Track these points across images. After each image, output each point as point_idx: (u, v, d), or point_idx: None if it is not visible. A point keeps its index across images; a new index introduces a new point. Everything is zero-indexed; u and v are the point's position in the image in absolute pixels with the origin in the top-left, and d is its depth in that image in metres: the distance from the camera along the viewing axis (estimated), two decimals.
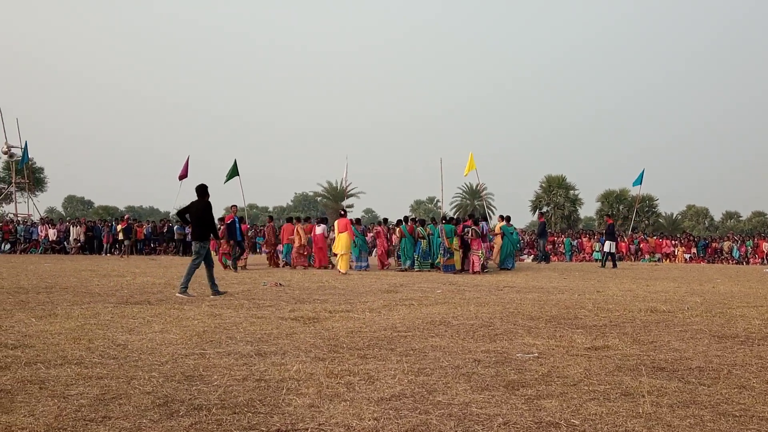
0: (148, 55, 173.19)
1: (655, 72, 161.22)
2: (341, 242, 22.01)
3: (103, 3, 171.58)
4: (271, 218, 29.36)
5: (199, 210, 13.69)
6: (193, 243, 13.95)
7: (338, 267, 22.04)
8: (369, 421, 4.52)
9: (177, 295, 13.00)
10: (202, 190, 13.85)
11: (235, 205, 24.36)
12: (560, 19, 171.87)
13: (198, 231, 13.71)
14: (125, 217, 38.09)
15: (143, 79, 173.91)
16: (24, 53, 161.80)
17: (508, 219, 27.35)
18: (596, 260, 37.97)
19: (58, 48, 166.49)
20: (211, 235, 13.91)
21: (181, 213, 14.24)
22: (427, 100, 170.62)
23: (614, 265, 28.94)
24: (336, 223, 22.98)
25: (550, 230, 50.92)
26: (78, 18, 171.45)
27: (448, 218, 25.60)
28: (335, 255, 23.33)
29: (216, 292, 13.40)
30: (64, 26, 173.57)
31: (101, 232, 38.62)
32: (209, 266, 13.74)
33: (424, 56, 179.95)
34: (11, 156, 49.76)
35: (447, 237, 22.97)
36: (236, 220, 23.36)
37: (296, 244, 25.06)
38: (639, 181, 43.69)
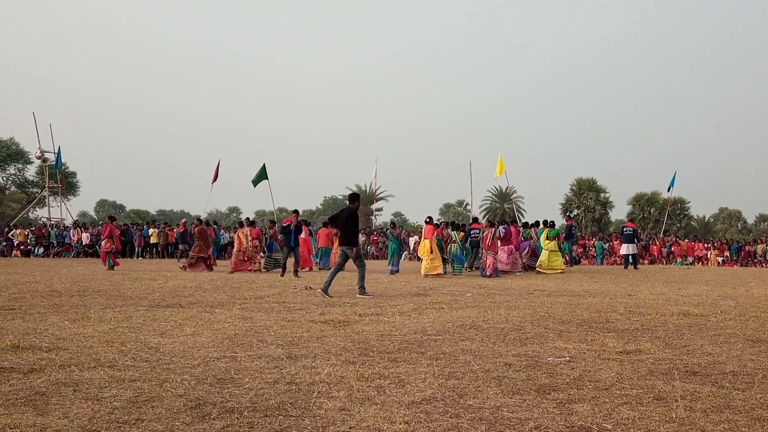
0: (180, 76, 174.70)
1: (685, 72, 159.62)
2: (425, 248, 22.52)
3: (135, 31, 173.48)
4: (199, 221, 28.11)
5: (345, 216, 14.72)
6: (342, 248, 14.91)
7: (422, 272, 22.73)
8: (400, 424, 4.52)
9: (360, 294, 14.06)
10: (352, 198, 15.07)
11: (297, 211, 23.88)
12: (586, 15, 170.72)
13: (344, 236, 14.74)
14: (183, 221, 38.27)
15: (176, 93, 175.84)
16: (58, 68, 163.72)
17: (546, 223, 27.87)
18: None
19: (89, 66, 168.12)
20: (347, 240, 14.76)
21: (332, 219, 15.61)
22: (456, 103, 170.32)
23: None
24: (423, 229, 23.39)
25: (580, 233, 50.71)
26: (108, 40, 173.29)
27: (491, 222, 26.37)
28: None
29: (363, 292, 14.27)
30: (97, 47, 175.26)
31: (133, 235, 38.98)
32: (336, 270, 14.72)
33: (452, 59, 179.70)
34: (44, 161, 50.45)
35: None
36: (294, 225, 22.88)
37: (236, 249, 24.88)
38: (672, 184, 43.47)
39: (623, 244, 30.85)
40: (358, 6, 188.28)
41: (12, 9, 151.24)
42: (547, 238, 25.13)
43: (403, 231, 44.19)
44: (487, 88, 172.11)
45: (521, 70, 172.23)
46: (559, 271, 24.94)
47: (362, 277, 14.48)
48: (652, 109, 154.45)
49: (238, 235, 25.16)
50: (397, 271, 24.41)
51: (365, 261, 14.86)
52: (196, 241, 25.66)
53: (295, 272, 21.78)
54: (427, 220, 23.86)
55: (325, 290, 13.82)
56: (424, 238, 22.80)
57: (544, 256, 25.29)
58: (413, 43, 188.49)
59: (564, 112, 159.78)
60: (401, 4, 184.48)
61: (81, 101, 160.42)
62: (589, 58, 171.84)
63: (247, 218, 28.47)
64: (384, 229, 45.66)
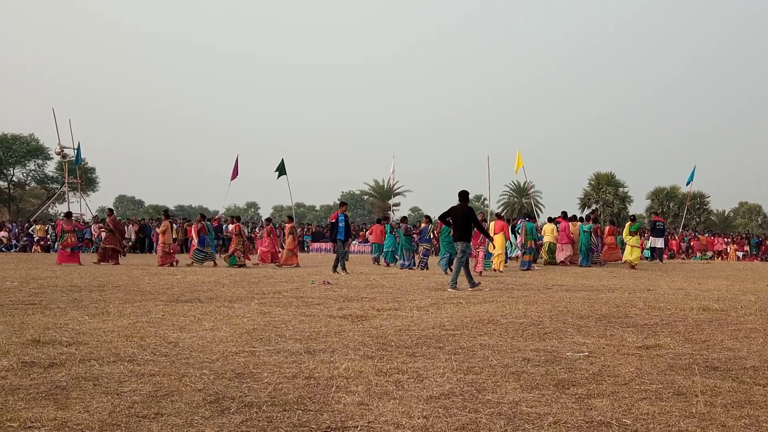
0: (197, 77, 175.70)
1: (705, 63, 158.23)
2: (497, 243, 23.02)
3: (152, 35, 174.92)
4: (111, 211, 28.92)
5: (460, 213, 15.24)
6: (457, 243, 15.38)
7: (493, 266, 23.24)
8: (418, 419, 4.51)
9: (448, 290, 14.45)
10: (464, 195, 15.46)
11: (345, 203, 23.29)
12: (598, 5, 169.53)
13: (460, 233, 15.22)
14: (217, 217, 38.32)
15: (194, 93, 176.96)
16: (78, 67, 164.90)
17: (583, 219, 28.89)
18: (646, 258, 37.70)
19: (109, 67, 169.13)
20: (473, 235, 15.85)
21: (443, 216, 16.15)
22: (473, 97, 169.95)
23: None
24: (492, 224, 23.74)
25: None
26: (127, 44, 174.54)
27: (529, 216, 27.28)
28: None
29: (455, 286, 14.79)
30: (117, 50, 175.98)
31: (151, 231, 39.14)
32: (466, 264, 15.26)
33: (468, 50, 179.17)
34: (64, 157, 50.75)
35: (527, 234, 24.85)
36: (341, 218, 21.84)
37: (161, 241, 24.77)
38: (691, 178, 43.32)
39: (654, 238, 31.75)
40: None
41: (35, 13, 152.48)
42: (630, 233, 25.62)
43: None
44: (504, 81, 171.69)
45: (539, 61, 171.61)
46: (634, 263, 25.38)
47: (458, 273, 15.05)
48: (671, 103, 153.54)
49: (165, 227, 25.06)
50: (410, 266, 24.47)
51: None
52: (108, 233, 25.88)
53: (340, 267, 21.06)
54: (498, 214, 24.35)
55: (454, 286, 14.66)
56: (495, 233, 23.06)
57: (627, 251, 25.92)
58: (427, 35, 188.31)
59: (581, 105, 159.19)
60: None
61: (100, 99, 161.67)
62: (607, 47, 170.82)
63: (237, 216, 29.32)
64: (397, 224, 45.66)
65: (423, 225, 26.00)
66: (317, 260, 31.48)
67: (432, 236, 25.76)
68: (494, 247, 23.09)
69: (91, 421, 4.37)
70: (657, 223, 32.53)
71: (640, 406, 4.86)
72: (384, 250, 27.39)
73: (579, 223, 27.80)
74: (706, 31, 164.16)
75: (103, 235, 26.38)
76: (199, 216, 27.99)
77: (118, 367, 5.94)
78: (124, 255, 26.24)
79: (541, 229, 28.09)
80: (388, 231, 27.24)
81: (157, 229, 31.81)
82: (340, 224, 21.75)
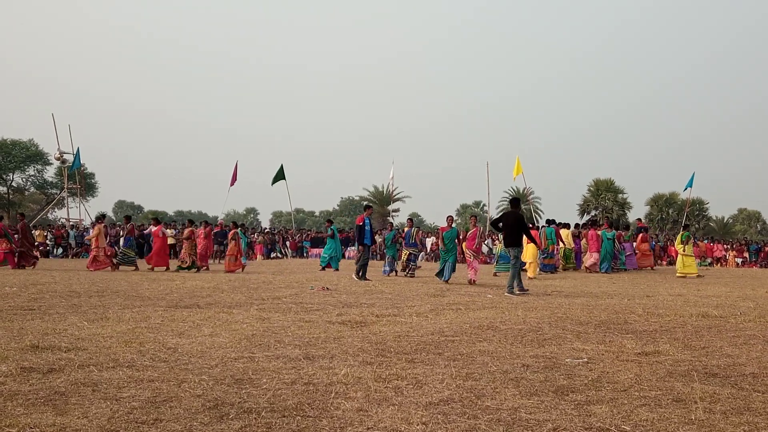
0: (195, 82, 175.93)
1: (703, 69, 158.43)
2: (529, 252, 23.22)
3: (152, 40, 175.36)
4: (22, 215, 28.93)
5: (511, 219, 15.71)
6: (509, 249, 15.93)
7: (528, 273, 23.40)
8: (418, 425, 4.51)
9: (505, 294, 14.97)
10: (515, 203, 16.14)
11: (370, 206, 22.73)
12: (598, 6, 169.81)
13: (511, 238, 15.70)
14: (219, 223, 38.34)
15: (192, 98, 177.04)
16: (77, 73, 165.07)
17: (610, 225, 30.02)
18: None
19: (107, 72, 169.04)
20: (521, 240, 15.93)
21: (494, 222, 16.88)
22: (471, 103, 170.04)
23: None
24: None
25: None
26: (126, 49, 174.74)
27: (549, 221, 27.85)
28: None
29: (512, 291, 15.18)
30: (115, 55, 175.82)
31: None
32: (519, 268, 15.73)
33: (468, 55, 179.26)
34: (63, 162, 50.79)
35: (547, 239, 25.47)
36: (367, 222, 21.55)
37: (94, 245, 24.63)
38: (690, 184, 43.35)
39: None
40: (371, 3, 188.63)
41: (35, 16, 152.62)
42: (681, 242, 25.68)
43: (420, 232, 44.16)
44: (503, 86, 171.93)
45: (537, 67, 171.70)
46: (695, 275, 25.00)
47: (513, 276, 15.45)
48: (670, 109, 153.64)
49: (95, 230, 25.06)
50: (391, 271, 24.30)
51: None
52: (20, 237, 25.84)
53: (362, 274, 20.64)
54: (530, 226, 24.59)
55: (510, 291, 15.07)
56: (528, 243, 23.14)
57: (680, 260, 25.99)
58: (430, 38, 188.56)
59: (580, 111, 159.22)
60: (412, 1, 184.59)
61: (100, 104, 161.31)
62: (606, 52, 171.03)
63: (191, 220, 29.60)
64: (399, 230, 45.68)
65: (407, 229, 25.50)
66: (315, 266, 31.47)
67: (416, 240, 25.56)
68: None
69: (90, 426, 4.37)
70: (641, 229, 33.43)
71: (639, 413, 4.86)
72: (323, 255, 27.96)
73: (601, 230, 28.14)
74: (705, 36, 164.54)
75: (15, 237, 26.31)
76: (125, 218, 28.15)
77: (117, 373, 5.94)
78: (37, 258, 26.57)
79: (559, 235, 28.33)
80: (329, 235, 27.69)
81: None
82: (366, 227, 21.56)
